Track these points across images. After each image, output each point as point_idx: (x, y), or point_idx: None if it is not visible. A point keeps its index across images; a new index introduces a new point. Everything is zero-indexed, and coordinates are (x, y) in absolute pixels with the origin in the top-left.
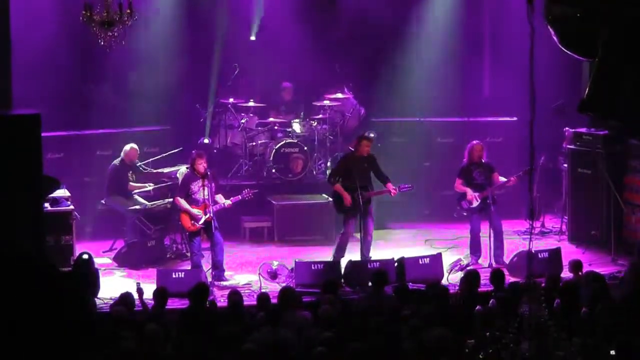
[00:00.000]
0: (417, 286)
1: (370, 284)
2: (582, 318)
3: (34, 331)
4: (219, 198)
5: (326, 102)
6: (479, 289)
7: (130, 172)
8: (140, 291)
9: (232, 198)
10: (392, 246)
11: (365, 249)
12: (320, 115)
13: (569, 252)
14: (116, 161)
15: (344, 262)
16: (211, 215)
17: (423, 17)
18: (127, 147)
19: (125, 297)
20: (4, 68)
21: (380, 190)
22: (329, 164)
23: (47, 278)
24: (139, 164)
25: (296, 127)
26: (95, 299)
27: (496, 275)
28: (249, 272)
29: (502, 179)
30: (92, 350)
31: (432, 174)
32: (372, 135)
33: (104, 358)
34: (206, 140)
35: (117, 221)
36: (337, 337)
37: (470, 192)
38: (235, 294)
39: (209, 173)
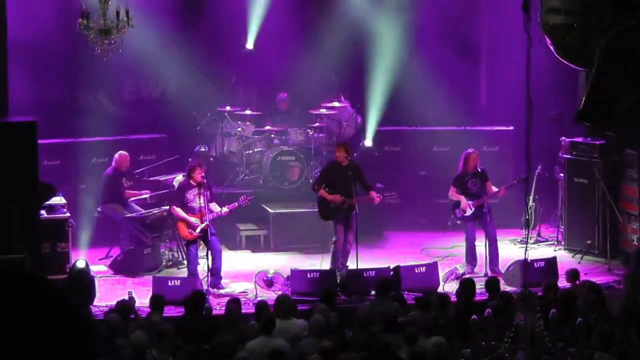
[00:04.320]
0: (413, 294)
1: (373, 292)
2: (578, 328)
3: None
4: (214, 206)
5: (323, 111)
6: (475, 298)
7: (124, 179)
8: (132, 300)
9: (228, 205)
10: (388, 254)
11: (343, 257)
12: (317, 124)
13: (565, 261)
14: (109, 169)
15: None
16: (207, 223)
17: (419, 25)
18: (117, 154)
19: (122, 305)
20: (0, 75)
21: (363, 197)
22: None
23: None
24: (135, 172)
25: (293, 135)
26: (91, 307)
27: (491, 284)
28: (244, 280)
29: (495, 188)
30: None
31: (428, 182)
32: (368, 143)
33: None
34: (202, 149)
35: (113, 229)
36: (334, 346)
37: (464, 201)
38: (232, 302)
39: (205, 181)
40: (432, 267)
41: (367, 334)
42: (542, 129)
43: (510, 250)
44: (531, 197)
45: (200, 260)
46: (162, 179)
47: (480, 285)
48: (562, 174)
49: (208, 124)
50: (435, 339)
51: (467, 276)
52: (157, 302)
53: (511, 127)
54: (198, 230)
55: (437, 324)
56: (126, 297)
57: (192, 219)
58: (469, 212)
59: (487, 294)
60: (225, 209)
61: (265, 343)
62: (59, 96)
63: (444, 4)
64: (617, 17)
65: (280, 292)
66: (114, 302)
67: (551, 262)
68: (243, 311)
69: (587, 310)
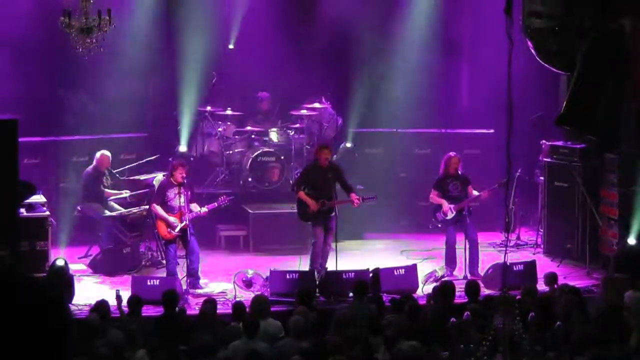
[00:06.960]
0: (392, 297)
1: (351, 294)
2: (556, 332)
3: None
4: (194, 207)
5: (304, 112)
6: (454, 301)
7: (105, 178)
8: (119, 298)
9: (208, 205)
10: (368, 256)
11: (322, 258)
12: (298, 125)
13: (544, 265)
14: (89, 168)
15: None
16: (187, 222)
17: (401, 28)
18: (98, 154)
19: (100, 305)
20: None
21: (343, 199)
22: None
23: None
24: (115, 171)
25: (273, 136)
26: (70, 305)
27: (471, 287)
28: (223, 280)
29: (475, 192)
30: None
31: (408, 185)
32: (349, 145)
33: None
34: (182, 149)
35: (92, 227)
36: (314, 347)
37: (445, 204)
38: (207, 302)
39: (185, 181)
40: (412, 270)
41: (349, 336)
42: (522, 132)
43: (490, 253)
44: (511, 200)
45: (179, 260)
46: (142, 178)
47: (459, 288)
48: (542, 178)
49: (189, 123)
50: (413, 342)
51: (446, 279)
52: (134, 303)
53: (492, 130)
54: (177, 229)
55: (415, 327)
56: (108, 296)
57: (172, 219)
58: (450, 216)
59: (467, 297)
60: (204, 209)
61: (248, 345)
62: (39, 94)
63: (427, 7)
64: (598, 22)
65: (258, 293)
66: (92, 301)
67: (530, 266)
68: (222, 311)
69: (566, 314)
